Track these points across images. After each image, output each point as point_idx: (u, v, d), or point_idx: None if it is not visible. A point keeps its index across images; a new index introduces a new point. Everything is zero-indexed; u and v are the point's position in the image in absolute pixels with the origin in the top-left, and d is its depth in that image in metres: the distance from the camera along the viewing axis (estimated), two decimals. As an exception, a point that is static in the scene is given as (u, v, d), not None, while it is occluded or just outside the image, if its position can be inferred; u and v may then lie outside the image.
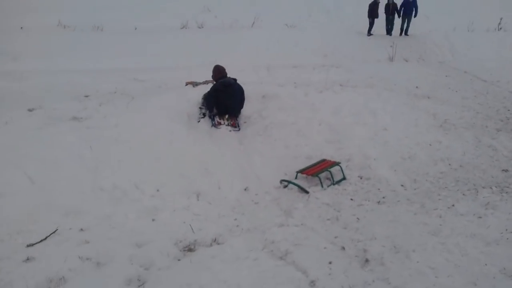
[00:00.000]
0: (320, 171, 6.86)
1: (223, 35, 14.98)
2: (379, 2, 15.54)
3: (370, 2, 15.70)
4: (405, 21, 15.83)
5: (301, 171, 6.90)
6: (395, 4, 15.43)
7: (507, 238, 4.93)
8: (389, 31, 16.06)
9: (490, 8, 16.77)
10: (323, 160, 7.27)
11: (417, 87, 10.85)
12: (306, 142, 7.92)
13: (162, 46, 13.55)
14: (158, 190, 6.04)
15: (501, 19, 15.14)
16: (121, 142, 6.58)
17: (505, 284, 4.19)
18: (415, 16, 15.46)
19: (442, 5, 17.32)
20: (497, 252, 4.70)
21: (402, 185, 6.87)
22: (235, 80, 8.01)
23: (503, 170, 6.94)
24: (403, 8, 15.52)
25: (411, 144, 7.96)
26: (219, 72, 8.07)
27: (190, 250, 5.04)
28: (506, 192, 6.21)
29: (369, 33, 16.04)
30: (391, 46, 14.45)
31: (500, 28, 15.14)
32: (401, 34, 16.10)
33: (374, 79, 11.63)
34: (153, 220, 5.56)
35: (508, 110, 9.18)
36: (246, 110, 8.44)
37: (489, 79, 11.47)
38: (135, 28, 14.88)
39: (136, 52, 12.95)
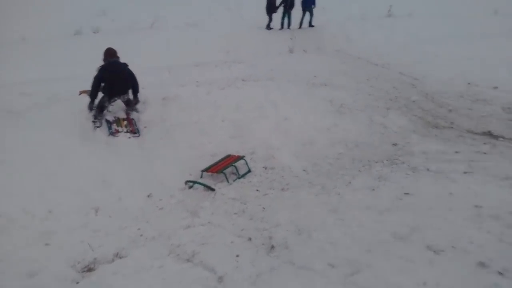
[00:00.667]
0: (224, 167, 6.84)
1: (120, 38, 14.36)
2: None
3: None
4: (305, 13, 15.96)
5: (206, 170, 6.83)
6: None
7: (397, 205, 5.23)
8: (287, 24, 16.37)
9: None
10: (228, 156, 7.27)
11: (315, 76, 11.18)
12: (210, 140, 7.86)
13: (53, 55, 12.72)
14: (50, 211, 5.62)
15: (390, 6, 16.15)
16: (3, 164, 6.03)
17: (397, 246, 4.46)
18: (314, 7, 15.96)
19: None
20: (389, 219, 5.00)
21: (304, 170, 7.06)
22: (126, 64, 7.74)
23: (393, 144, 7.39)
24: (302, 1, 15.94)
25: (311, 130, 8.20)
26: (109, 54, 7.72)
27: (90, 270, 4.77)
28: (396, 164, 6.62)
29: (268, 27, 16.25)
30: (291, 39, 14.80)
31: (390, 15, 16.15)
32: (300, 27, 16.47)
33: (275, 71, 11.83)
34: (46, 244, 5.16)
35: (397, 89, 9.78)
36: (146, 114, 8.19)
37: (380, 63, 12.16)
38: (23, 39, 13.83)
39: (24, 64, 12.03)
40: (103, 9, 16.38)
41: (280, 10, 16.25)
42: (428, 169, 6.14)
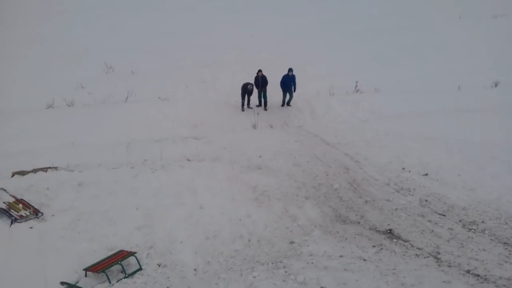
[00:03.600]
0: (109, 265, 6.79)
1: (91, 112, 14.92)
2: (251, 87, 15.59)
3: (242, 84, 15.77)
4: (286, 94, 15.65)
5: (88, 269, 6.77)
6: (264, 77, 15.55)
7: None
8: (263, 103, 16.11)
9: (350, 72, 17.95)
10: (120, 252, 7.22)
11: (260, 156, 11.22)
12: (115, 231, 7.89)
13: (15, 128, 13.15)
14: None
15: (356, 82, 16.26)
16: None
17: None
18: (294, 90, 15.52)
19: (311, 71, 18.39)
20: None
21: (195, 269, 6.96)
22: None
23: (290, 242, 7.19)
24: (281, 83, 15.47)
25: (223, 221, 8.13)
26: None
27: None
28: (276, 268, 6.39)
29: (243, 108, 16.05)
30: (257, 114, 15.01)
31: (357, 90, 16.22)
32: (283, 105, 16.04)
33: (226, 149, 11.98)
34: None
35: (327, 175, 9.65)
36: (57, 202, 8.31)
37: (332, 142, 12.09)
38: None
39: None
40: (81, 82, 17.12)
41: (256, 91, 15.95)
42: (295, 280, 5.87)
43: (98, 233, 7.83)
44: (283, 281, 5.98)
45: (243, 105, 16.16)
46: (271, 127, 14.90)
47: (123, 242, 7.68)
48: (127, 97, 16.37)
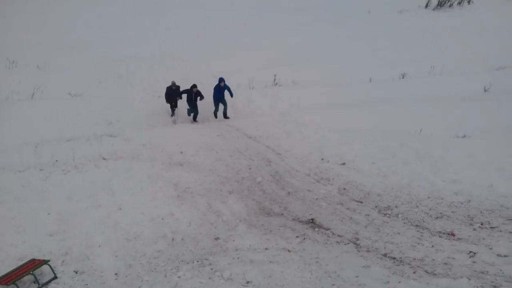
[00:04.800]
0: (19, 276, 6.22)
1: (-7, 110, 13.60)
2: (175, 88, 14.35)
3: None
4: (218, 105, 14.29)
5: (-4, 281, 6.13)
6: (198, 92, 14.25)
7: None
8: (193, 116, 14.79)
9: (268, 66, 18.15)
10: (31, 261, 6.65)
11: (181, 152, 10.94)
12: (25, 238, 7.26)
13: None
14: None
15: (275, 75, 16.49)
16: None
17: None
18: (231, 96, 14.49)
19: (231, 65, 18.31)
20: None
21: (116, 273, 6.63)
22: None
23: (215, 238, 7.08)
24: (215, 93, 14.23)
25: (144, 221, 7.81)
26: None
27: None
28: (202, 266, 6.26)
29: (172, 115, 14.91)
30: (177, 108, 14.60)
31: (276, 84, 16.45)
32: (216, 117, 14.66)
33: (145, 147, 11.53)
34: None
35: (250, 169, 9.67)
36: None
37: (253, 135, 12.12)
38: None
39: None
40: (-21, 78, 15.59)
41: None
42: (222, 276, 5.78)
43: (6, 242, 7.21)
44: (209, 278, 5.88)
45: (172, 114, 14.95)
46: (191, 121, 14.65)
47: (35, 250, 7.12)
48: (33, 93, 15.19)
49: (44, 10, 26.87)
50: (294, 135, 11.53)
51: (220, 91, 14.41)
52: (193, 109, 14.78)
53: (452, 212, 7.09)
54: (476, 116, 10.98)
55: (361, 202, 7.92)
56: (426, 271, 5.18)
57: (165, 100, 14.84)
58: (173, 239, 7.31)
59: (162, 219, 7.88)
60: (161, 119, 14.71)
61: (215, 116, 14.67)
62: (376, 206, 7.71)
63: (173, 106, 14.88)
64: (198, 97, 14.38)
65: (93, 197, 8.36)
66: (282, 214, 7.79)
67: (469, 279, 4.68)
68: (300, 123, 12.48)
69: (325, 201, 8.02)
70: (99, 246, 7.19)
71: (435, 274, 5.05)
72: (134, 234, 7.46)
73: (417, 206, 7.51)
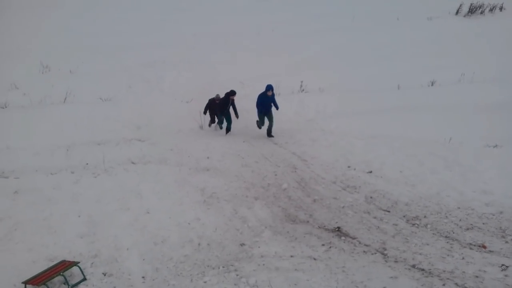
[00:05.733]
0: (50, 277, 6.40)
1: (28, 113, 14.07)
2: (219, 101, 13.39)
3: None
4: (263, 118, 12.54)
5: (28, 281, 6.33)
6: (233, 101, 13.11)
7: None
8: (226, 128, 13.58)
9: (294, 72, 18.14)
10: (61, 262, 6.82)
11: (208, 157, 11.05)
12: (56, 240, 7.47)
13: None
14: None
15: (301, 81, 16.49)
16: None
17: None
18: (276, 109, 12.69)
19: (256, 71, 18.37)
20: None
21: (143, 277, 6.73)
22: None
23: (240, 244, 7.12)
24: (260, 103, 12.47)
25: (171, 225, 7.91)
26: None
27: None
28: (228, 272, 6.30)
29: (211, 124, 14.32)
30: (204, 114, 14.75)
31: (303, 90, 16.44)
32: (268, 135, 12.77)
33: (173, 151, 11.71)
34: None
35: (275, 175, 9.67)
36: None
37: (279, 141, 12.14)
38: None
39: None
40: (14, 83, 16.12)
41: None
42: (247, 283, 5.81)
43: (37, 243, 7.40)
44: (235, 284, 5.92)
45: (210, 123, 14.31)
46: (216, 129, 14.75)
47: (65, 252, 7.30)
48: (66, 97, 15.62)
49: (68, 15, 27.56)
50: (320, 142, 11.49)
51: (267, 102, 12.36)
52: (226, 119, 13.66)
53: (483, 223, 6.93)
54: (507, 125, 10.70)
55: (389, 211, 7.82)
56: (456, 284, 5.08)
57: (204, 112, 14.05)
58: (199, 244, 7.38)
59: (189, 223, 7.96)
60: (188, 124, 14.87)
61: (259, 127, 12.83)
62: (404, 216, 7.60)
63: (214, 120, 14.19)
64: (230, 106, 13.28)
65: (121, 200, 8.52)
66: (308, 221, 7.76)
67: (501, 294, 4.57)
68: (326, 130, 12.42)
69: (352, 210, 7.96)
70: (127, 249, 7.31)
71: (465, 287, 4.94)
72: (161, 238, 7.56)
73: (446, 216, 7.37)
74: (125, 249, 7.30)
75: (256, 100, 12.56)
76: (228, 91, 13.29)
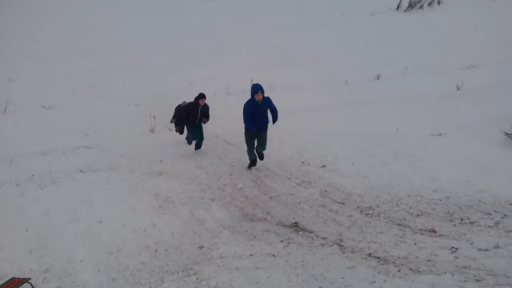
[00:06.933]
0: (-3, 297, 5.97)
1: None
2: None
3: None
4: (253, 142, 9.49)
5: (-29, 304, 5.91)
6: (205, 107, 10.58)
7: None
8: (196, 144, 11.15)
9: (244, 72, 18.22)
10: (11, 280, 6.44)
11: (161, 161, 10.83)
12: (4, 256, 7.09)
13: None
14: None
15: (251, 80, 16.51)
16: None
17: None
18: (275, 119, 9.29)
19: (205, 72, 18.30)
20: None
21: (98, 289, 6.37)
22: None
23: (199, 247, 7.01)
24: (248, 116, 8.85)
25: (126, 233, 7.66)
26: None
27: None
28: (187, 276, 6.17)
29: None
30: (154, 117, 14.47)
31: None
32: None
33: (123, 157, 11.40)
34: None
35: (231, 175, 9.61)
36: None
37: (233, 141, 12.09)
38: None
39: None
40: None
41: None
42: (208, 285, 5.73)
43: (-19, 263, 6.92)
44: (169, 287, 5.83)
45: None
46: (170, 129, 14.55)
47: (15, 268, 6.91)
48: (6, 107, 14.89)
49: (6, 21, 26.30)
50: (274, 140, 11.54)
51: (259, 112, 8.74)
52: (196, 133, 10.99)
53: (432, 209, 7.21)
54: (450, 114, 11.24)
55: (343, 204, 7.98)
56: (410, 269, 5.24)
57: (174, 124, 12.07)
58: (156, 250, 7.20)
59: (144, 230, 7.76)
60: (138, 129, 14.57)
61: (253, 163, 9.65)
62: (358, 207, 7.78)
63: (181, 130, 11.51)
64: (203, 117, 10.68)
65: (72, 211, 8.20)
66: (266, 219, 7.77)
67: (453, 275, 4.75)
68: (279, 127, 12.49)
69: (308, 204, 8.05)
70: (81, 261, 7.03)
71: (419, 271, 5.11)
72: (116, 247, 7.32)
73: (397, 205, 7.61)
74: (78, 261, 7.00)
75: (242, 112, 8.77)
76: (197, 95, 10.68)
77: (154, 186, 9.17)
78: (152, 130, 14.19)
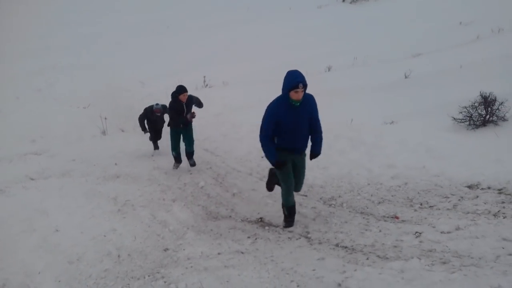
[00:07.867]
0: None
1: None
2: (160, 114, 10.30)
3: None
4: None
5: None
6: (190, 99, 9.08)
7: None
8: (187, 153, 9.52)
9: (196, 68, 17.98)
10: (-38, 300, 5.96)
11: (116, 163, 10.50)
12: (-48, 277, 6.48)
13: None
14: None
15: (204, 76, 16.34)
16: None
17: None
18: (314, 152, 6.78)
19: (155, 70, 17.87)
20: None
21: (60, 302, 6.05)
22: None
23: (164, 249, 6.82)
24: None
25: (85, 240, 7.33)
26: None
27: None
28: (155, 280, 5.98)
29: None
30: (105, 118, 13.99)
31: (207, 85, 16.32)
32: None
33: (76, 161, 10.97)
34: None
35: (191, 174, 9.59)
36: None
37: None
38: None
39: None
40: None
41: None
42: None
43: None
44: (159, 292, 5.66)
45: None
46: (123, 130, 14.17)
47: (-34, 287, 6.42)
48: None
49: None
50: (231, 136, 11.50)
51: (297, 121, 6.07)
52: (184, 138, 9.20)
53: (392, 196, 7.41)
54: (400, 102, 11.60)
55: (306, 196, 8.04)
56: (378, 256, 5.35)
57: (141, 128, 10.86)
58: (119, 256, 6.95)
59: (105, 236, 7.48)
60: (89, 131, 14.09)
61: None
62: (320, 198, 7.87)
63: (157, 137, 11.06)
64: (191, 112, 8.84)
65: (25, 221, 7.76)
66: (230, 216, 7.71)
67: (420, 259, 4.89)
68: (236, 124, 12.46)
69: (271, 199, 8.05)
70: (39, 273, 6.66)
71: (387, 258, 5.23)
72: (76, 256, 7.00)
73: (359, 193, 7.77)
74: (36, 273, 6.64)
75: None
76: (174, 89, 8.81)
77: (111, 190, 8.86)
78: (104, 132, 13.75)
